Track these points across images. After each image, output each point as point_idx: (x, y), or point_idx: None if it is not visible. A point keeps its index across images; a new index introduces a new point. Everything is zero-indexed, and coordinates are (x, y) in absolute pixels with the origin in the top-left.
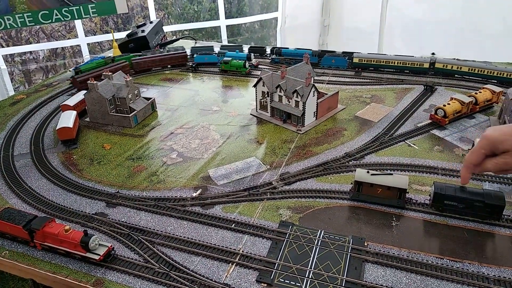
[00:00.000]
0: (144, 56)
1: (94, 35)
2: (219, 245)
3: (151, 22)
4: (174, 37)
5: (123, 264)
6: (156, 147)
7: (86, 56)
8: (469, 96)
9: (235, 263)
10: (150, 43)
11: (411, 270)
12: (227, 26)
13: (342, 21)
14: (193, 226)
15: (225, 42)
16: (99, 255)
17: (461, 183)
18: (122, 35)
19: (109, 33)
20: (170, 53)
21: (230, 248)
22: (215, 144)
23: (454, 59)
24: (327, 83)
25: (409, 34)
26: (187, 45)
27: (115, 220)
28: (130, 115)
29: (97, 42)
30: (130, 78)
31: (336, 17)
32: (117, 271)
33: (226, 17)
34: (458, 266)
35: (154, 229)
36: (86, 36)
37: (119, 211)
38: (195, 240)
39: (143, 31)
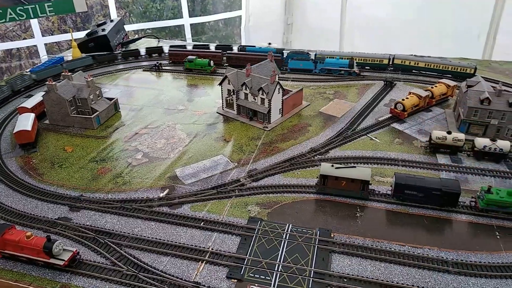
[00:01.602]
0: (237, 53)
1: (52, 35)
2: (188, 244)
3: (111, 21)
4: (136, 36)
5: (90, 268)
6: (120, 148)
7: (44, 56)
8: (426, 90)
9: (205, 261)
10: (111, 42)
11: (375, 258)
12: (191, 25)
13: (305, 20)
14: (161, 227)
15: (189, 40)
16: (63, 260)
17: None
18: (82, 34)
19: (67, 32)
20: (264, 55)
21: (200, 247)
22: (181, 143)
23: (412, 55)
24: (292, 80)
25: (368, 32)
26: (151, 44)
27: (80, 224)
28: (92, 116)
29: (55, 42)
30: (91, 78)
31: (299, 15)
32: (84, 276)
33: (190, 16)
34: (419, 252)
35: (120, 231)
36: (43, 36)
37: (83, 215)
38: (164, 240)
39: (103, 30)
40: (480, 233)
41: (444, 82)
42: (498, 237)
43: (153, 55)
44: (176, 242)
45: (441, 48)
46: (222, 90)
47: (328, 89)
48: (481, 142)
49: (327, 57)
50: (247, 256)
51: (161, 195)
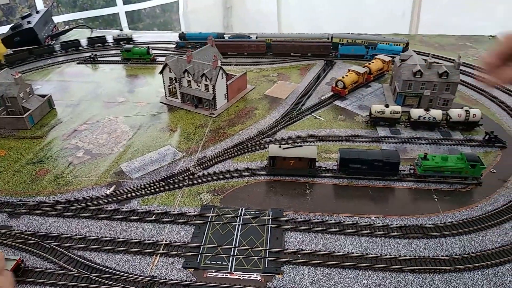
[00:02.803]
0: (283, 39)
1: None
2: (140, 239)
3: (37, 12)
4: (67, 27)
5: (37, 275)
6: (59, 147)
7: None
8: (364, 67)
9: (159, 254)
10: (39, 35)
11: (326, 231)
12: (126, 13)
13: (245, 3)
14: (111, 224)
15: (126, 29)
16: (7, 270)
17: (489, 85)
18: (6, 28)
19: None
20: (313, 40)
21: (153, 240)
22: (125, 137)
23: (349, 33)
24: (235, 65)
25: (304, 13)
26: (83, 35)
27: (21, 230)
28: (24, 116)
29: None
30: (20, 75)
31: None
32: (31, 284)
33: (124, 3)
34: (366, 221)
35: (67, 234)
36: None
37: (24, 221)
38: (114, 238)
39: (29, 22)
40: (420, 197)
41: (380, 57)
42: (436, 199)
43: (70, 49)
44: (127, 239)
45: (372, 26)
46: (163, 79)
47: (271, 72)
48: (416, 112)
49: (379, 43)
50: (202, 244)
51: (108, 192)
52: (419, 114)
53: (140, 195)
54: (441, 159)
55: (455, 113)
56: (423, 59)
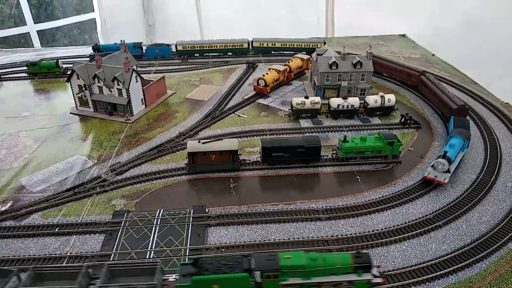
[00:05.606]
0: None
1: None
2: (40, 255)
3: None
4: None
5: None
6: None
7: None
8: (284, 65)
9: None
10: None
11: (251, 222)
12: (39, 32)
13: (167, 19)
14: (5, 243)
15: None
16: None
17: None
18: None
19: None
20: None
21: (55, 254)
22: (27, 151)
23: (271, 38)
24: (155, 72)
25: (224, 23)
26: None
27: None
28: None
29: None
30: None
31: (160, 15)
32: None
33: (35, 22)
34: (292, 207)
35: None
36: None
37: None
38: (9, 257)
39: None
40: (344, 180)
41: (299, 56)
42: (359, 180)
43: None
44: (24, 256)
45: (290, 33)
46: (72, 87)
47: (193, 77)
48: (335, 101)
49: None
50: (113, 251)
51: (3, 209)
52: (338, 102)
53: (42, 208)
54: (360, 140)
55: (372, 99)
56: (337, 51)
